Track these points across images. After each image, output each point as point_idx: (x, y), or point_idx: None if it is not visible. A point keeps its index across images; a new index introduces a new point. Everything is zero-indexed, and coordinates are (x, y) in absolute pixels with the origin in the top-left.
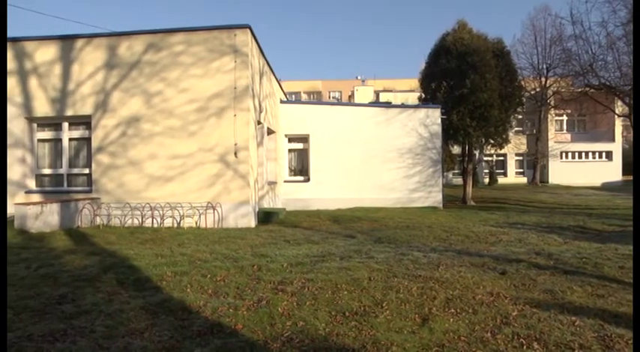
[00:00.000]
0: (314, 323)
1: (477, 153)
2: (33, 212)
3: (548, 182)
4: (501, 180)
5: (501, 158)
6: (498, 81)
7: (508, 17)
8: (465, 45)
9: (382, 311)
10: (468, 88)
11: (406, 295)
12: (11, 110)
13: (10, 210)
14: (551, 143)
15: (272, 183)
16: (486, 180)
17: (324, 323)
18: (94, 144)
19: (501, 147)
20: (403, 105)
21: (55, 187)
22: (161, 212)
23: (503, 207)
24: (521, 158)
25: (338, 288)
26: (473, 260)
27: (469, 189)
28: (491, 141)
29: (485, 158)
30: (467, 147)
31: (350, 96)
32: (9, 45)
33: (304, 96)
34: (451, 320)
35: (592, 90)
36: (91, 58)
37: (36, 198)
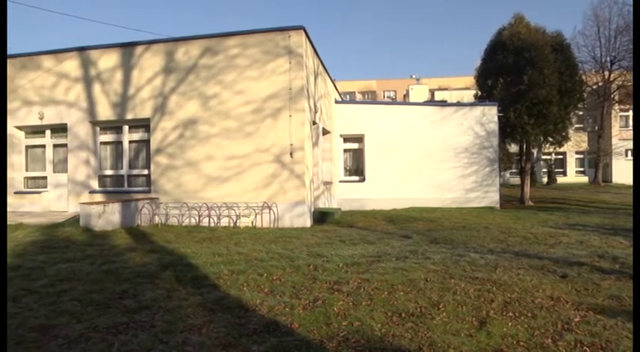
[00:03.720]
0: (370, 324)
1: (535, 151)
2: (96, 211)
3: (611, 181)
4: (560, 179)
5: (560, 156)
6: (557, 76)
7: (567, 9)
8: (522, 39)
9: (439, 313)
10: (526, 84)
11: (463, 297)
12: (78, 114)
13: (76, 209)
14: (615, 140)
15: (327, 183)
16: (545, 180)
17: (379, 324)
18: (153, 146)
19: (560, 145)
20: (459, 104)
21: (116, 187)
22: (218, 212)
23: (562, 208)
24: (581, 156)
25: (394, 289)
26: (532, 262)
27: (527, 188)
28: (550, 139)
29: (544, 156)
30: (524, 146)
31: (405, 96)
32: (75, 54)
33: (359, 96)
34: (509, 324)
35: None
36: (149, 64)
37: (99, 197)
